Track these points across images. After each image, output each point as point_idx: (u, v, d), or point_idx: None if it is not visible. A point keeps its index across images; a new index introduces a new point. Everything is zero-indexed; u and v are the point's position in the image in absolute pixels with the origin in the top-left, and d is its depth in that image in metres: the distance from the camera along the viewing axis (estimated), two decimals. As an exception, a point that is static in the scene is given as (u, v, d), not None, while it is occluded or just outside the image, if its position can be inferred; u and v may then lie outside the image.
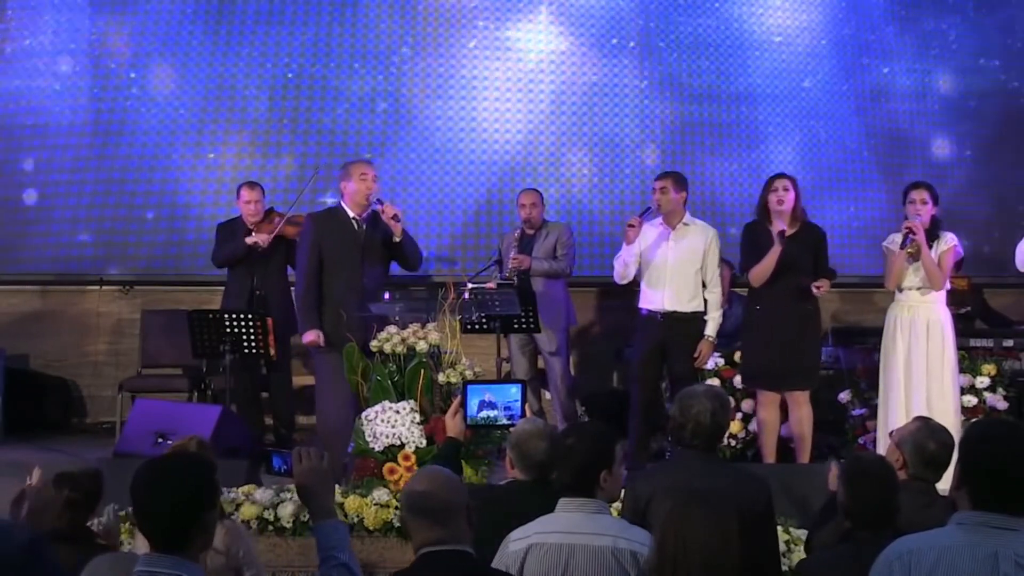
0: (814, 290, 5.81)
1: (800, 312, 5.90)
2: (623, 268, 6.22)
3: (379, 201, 5.90)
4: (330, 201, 7.62)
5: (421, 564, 2.68)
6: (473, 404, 3.91)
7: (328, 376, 5.77)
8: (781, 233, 5.87)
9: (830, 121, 8.84)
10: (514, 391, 3.96)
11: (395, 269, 8.32)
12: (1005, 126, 9.13)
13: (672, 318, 6.15)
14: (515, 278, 6.84)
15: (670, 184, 6.20)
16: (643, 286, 6.28)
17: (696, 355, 6.15)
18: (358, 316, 5.61)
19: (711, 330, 6.16)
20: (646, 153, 8.59)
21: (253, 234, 6.99)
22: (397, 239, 5.89)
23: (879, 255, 6.18)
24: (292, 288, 6.57)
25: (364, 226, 5.90)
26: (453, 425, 3.85)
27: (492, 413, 3.90)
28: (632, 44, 8.61)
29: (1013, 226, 8.54)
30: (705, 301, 6.20)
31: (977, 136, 9.08)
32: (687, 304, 6.16)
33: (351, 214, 5.90)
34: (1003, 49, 9.17)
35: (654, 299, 6.22)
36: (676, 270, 6.17)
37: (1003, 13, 9.14)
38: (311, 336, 5.75)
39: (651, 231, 6.25)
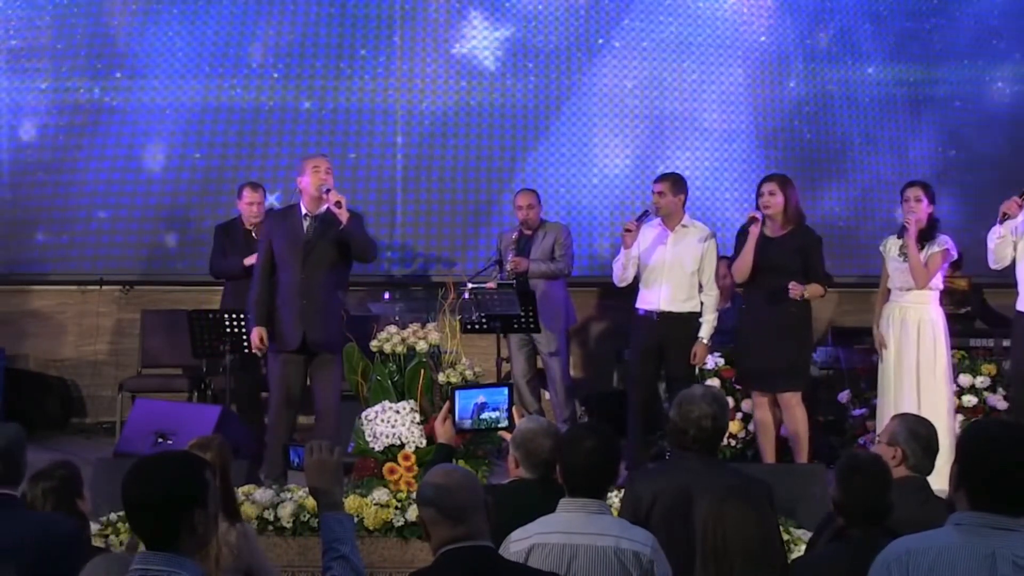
0: (790, 291, 5.80)
1: (782, 314, 5.89)
2: (622, 271, 6.25)
3: (327, 190, 5.76)
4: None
5: (442, 562, 2.68)
6: (461, 409, 3.86)
7: (272, 375, 5.91)
8: (752, 218, 5.90)
9: (816, 121, 8.84)
10: (500, 395, 3.91)
11: (395, 268, 8.42)
12: (990, 125, 9.13)
13: (668, 318, 6.17)
14: (513, 280, 6.84)
15: (668, 187, 6.23)
16: (640, 286, 6.30)
17: (692, 357, 6.17)
18: (294, 315, 5.71)
19: (704, 332, 6.17)
20: (636, 153, 8.58)
21: (252, 256, 6.96)
22: (342, 223, 5.70)
23: (877, 255, 6.18)
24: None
25: (315, 223, 5.79)
26: (444, 431, 3.80)
27: (494, 415, 3.86)
28: (618, 44, 8.62)
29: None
30: (701, 303, 6.22)
31: (961, 135, 9.07)
32: (683, 305, 6.18)
33: (304, 211, 5.83)
34: (988, 48, 9.16)
35: (650, 299, 6.24)
36: (673, 271, 6.18)
37: (987, 13, 9.14)
38: (252, 336, 5.84)
39: (650, 232, 6.27)
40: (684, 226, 6.26)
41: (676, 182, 6.28)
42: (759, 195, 6.00)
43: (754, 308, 6.02)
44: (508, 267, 7.02)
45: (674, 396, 5.81)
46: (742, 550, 2.53)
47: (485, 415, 3.88)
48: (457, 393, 3.84)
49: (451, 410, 3.79)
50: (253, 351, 5.92)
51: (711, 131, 8.67)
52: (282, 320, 5.79)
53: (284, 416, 5.83)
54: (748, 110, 8.75)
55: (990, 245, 5.75)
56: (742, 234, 6.07)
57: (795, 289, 5.80)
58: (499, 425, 3.87)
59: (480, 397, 3.87)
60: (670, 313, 6.17)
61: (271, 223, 5.98)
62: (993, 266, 5.84)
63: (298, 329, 5.74)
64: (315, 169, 5.78)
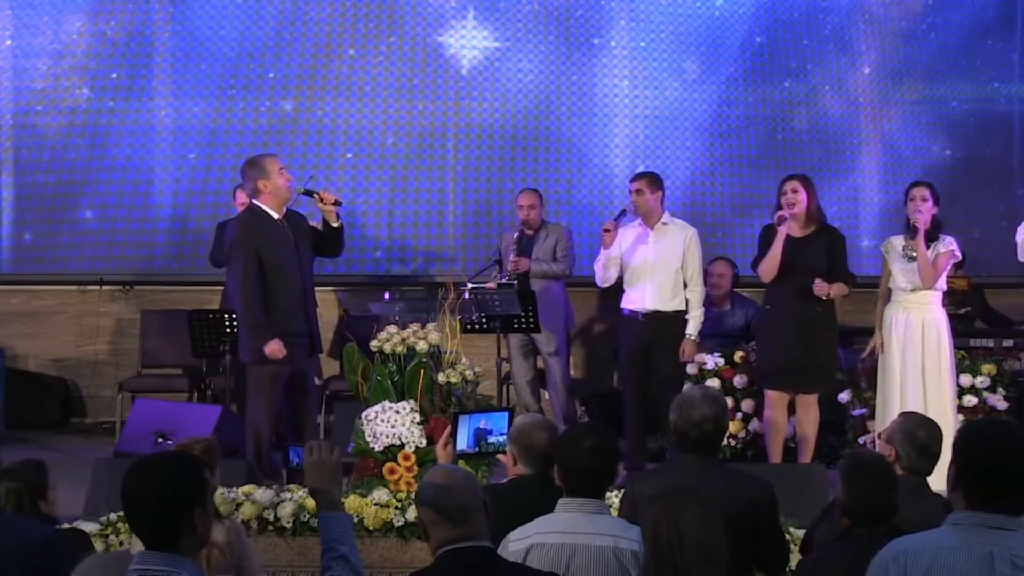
0: (815, 289, 5.82)
1: (808, 314, 5.89)
2: (603, 272, 6.32)
3: (308, 192, 5.70)
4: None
5: (442, 562, 2.68)
6: (464, 434, 3.85)
7: (258, 386, 5.67)
8: (781, 217, 5.89)
9: (811, 120, 8.84)
10: (501, 420, 3.89)
11: (395, 268, 8.42)
12: (986, 124, 9.13)
13: (653, 318, 6.19)
14: (514, 280, 6.84)
15: (645, 185, 6.25)
16: (625, 287, 6.32)
17: (681, 354, 6.17)
18: (302, 320, 5.64)
19: (692, 329, 6.19)
20: (634, 152, 8.58)
21: None
22: (336, 224, 5.69)
23: (877, 254, 6.19)
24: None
25: (288, 224, 5.69)
26: (445, 456, 3.79)
27: (499, 439, 3.85)
28: (613, 44, 8.62)
29: (993, 227, 8.54)
30: (687, 300, 6.22)
31: (958, 135, 9.08)
32: (668, 303, 6.20)
33: (274, 215, 5.64)
34: (985, 50, 9.16)
35: (636, 299, 6.26)
36: (656, 270, 6.21)
37: (982, 13, 9.15)
38: (275, 346, 5.49)
39: (631, 232, 6.30)
40: (664, 224, 6.29)
41: (653, 180, 6.32)
42: (782, 193, 5.98)
43: (780, 308, 6.01)
44: (508, 267, 7.02)
45: (664, 398, 5.87)
46: (699, 553, 2.53)
47: (491, 440, 3.88)
48: (459, 418, 3.83)
49: (452, 435, 3.78)
50: (277, 358, 5.53)
51: (708, 131, 8.67)
52: (290, 330, 5.61)
53: (273, 426, 5.79)
54: (744, 109, 8.75)
55: (1018, 239, 5.77)
56: (765, 234, 6.06)
57: (820, 287, 5.81)
58: (501, 450, 3.84)
59: (481, 422, 3.87)
60: (656, 312, 6.19)
61: (246, 232, 5.65)
62: (1022, 259, 5.83)
63: (307, 334, 5.70)
64: (282, 172, 5.66)
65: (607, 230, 6.15)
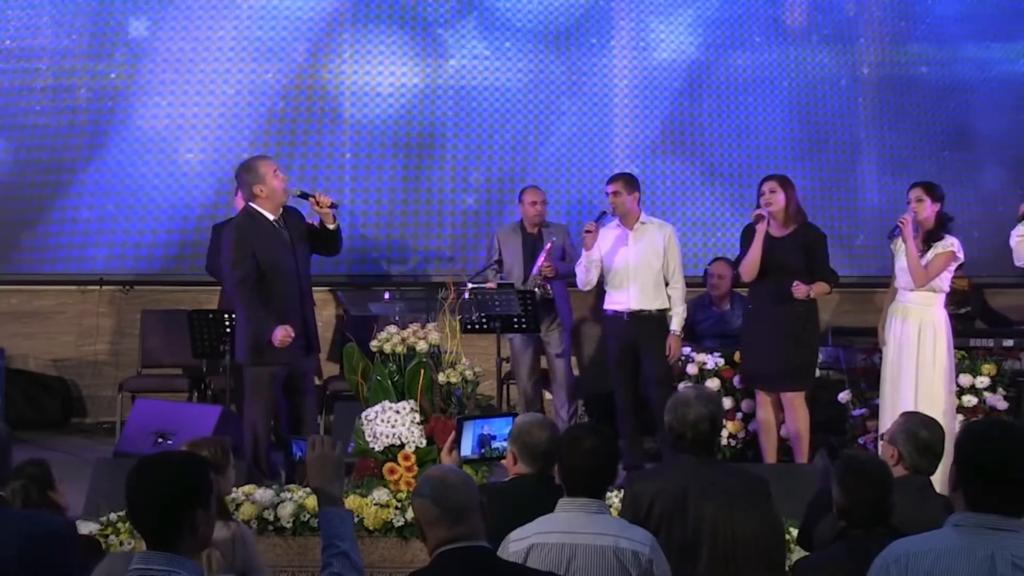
0: (794, 292, 5.81)
1: (788, 313, 5.89)
2: (585, 275, 6.32)
3: (304, 195, 5.70)
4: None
5: (440, 563, 2.68)
6: (468, 440, 3.85)
7: (255, 387, 5.66)
8: (759, 216, 5.90)
9: (810, 121, 8.83)
10: (505, 426, 3.90)
11: (395, 268, 8.42)
12: (984, 125, 9.13)
13: (638, 318, 6.20)
14: (546, 288, 6.73)
15: (622, 186, 6.26)
16: (607, 288, 6.32)
17: (668, 350, 6.16)
18: (300, 322, 5.60)
19: (676, 325, 6.21)
20: (633, 152, 8.58)
21: None
22: (332, 226, 5.71)
23: (876, 255, 6.19)
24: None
25: (285, 226, 5.66)
26: (451, 461, 3.79)
27: (503, 444, 3.86)
28: (612, 43, 8.63)
29: (991, 226, 8.54)
30: (670, 298, 6.23)
31: (957, 137, 9.07)
32: (652, 303, 6.20)
33: (270, 216, 5.62)
34: (984, 51, 9.17)
35: (620, 300, 6.27)
36: (639, 270, 6.22)
37: (984, 14, 9.15)
38: (281, 333, 5.45)
39: (609, 234, 6.31)
40: (642, 223, 6.31)
41: (629, 181, 6.34)
42: (760, 194, 6.01)
43: (759, 308, 6.02)
44: (542, 272, 6.72)
45: (656, 398, 5.87)
46: (751, 551, 2.56)
47: (494, 446, 3.88)
48: (463, 424, 3.84)
49: (457, 440, 3.79)
50: (287, 344, 5.49)
51: (707, 131, 8.67)
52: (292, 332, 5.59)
53: (272, 427, 5.80)
54: (743, 110, 8.75)
55: (1012, 243, 5.76)
56: (747, 233, 6.08)
57: (799, 289, 5.80)
58: (504, 456, 3.85)
59: (485, 428, 3.88)
60: (640, 312, 6.20)
61: (247, 232, 5.62)
62: (1018, 263, 5.82)
63: (303, 335, 5.70)
64: (276, 174, 5.64)
65: (588, 231, 6.16)
